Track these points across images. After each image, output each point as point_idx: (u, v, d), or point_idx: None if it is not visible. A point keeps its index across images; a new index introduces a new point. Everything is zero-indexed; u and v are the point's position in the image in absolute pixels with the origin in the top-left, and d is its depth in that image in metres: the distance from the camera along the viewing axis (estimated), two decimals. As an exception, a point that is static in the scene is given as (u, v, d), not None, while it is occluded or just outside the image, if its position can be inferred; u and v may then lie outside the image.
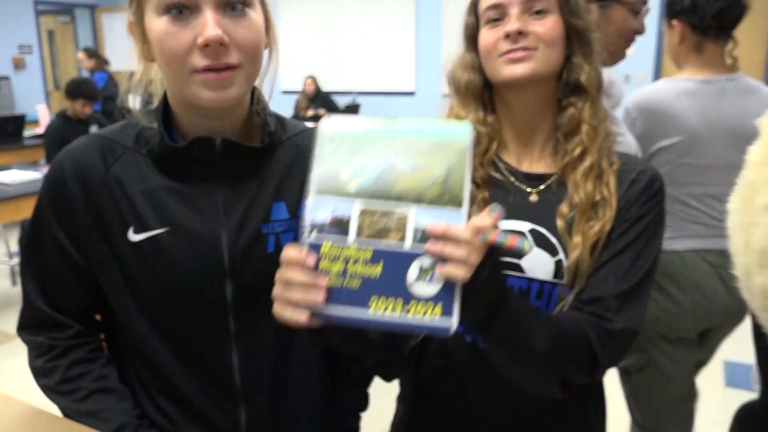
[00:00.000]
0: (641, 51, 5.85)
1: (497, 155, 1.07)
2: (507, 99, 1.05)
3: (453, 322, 0.73)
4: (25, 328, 0.99)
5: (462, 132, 0.78)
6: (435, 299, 0.74)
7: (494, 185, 1.05)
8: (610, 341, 0.92)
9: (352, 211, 0.75)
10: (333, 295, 0.74)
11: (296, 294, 0.73)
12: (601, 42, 1.52)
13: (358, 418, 1.13)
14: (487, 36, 1.01)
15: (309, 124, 1.06)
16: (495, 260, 0.79)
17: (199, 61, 0.80)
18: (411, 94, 7.73)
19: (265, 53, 0.90)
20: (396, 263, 0.74)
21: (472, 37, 1.06)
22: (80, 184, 0.91)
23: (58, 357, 0.96)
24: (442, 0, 7.41)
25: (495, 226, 0.78)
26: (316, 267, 0.74)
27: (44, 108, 6.16)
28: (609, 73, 1.51)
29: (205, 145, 0.89)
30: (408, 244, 0.74)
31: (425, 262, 0.74)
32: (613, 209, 0.96)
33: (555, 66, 1.01)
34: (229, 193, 0.92)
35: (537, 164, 1.05)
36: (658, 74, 6.39)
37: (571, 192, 0.99)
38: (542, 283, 0.99)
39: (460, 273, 0.74)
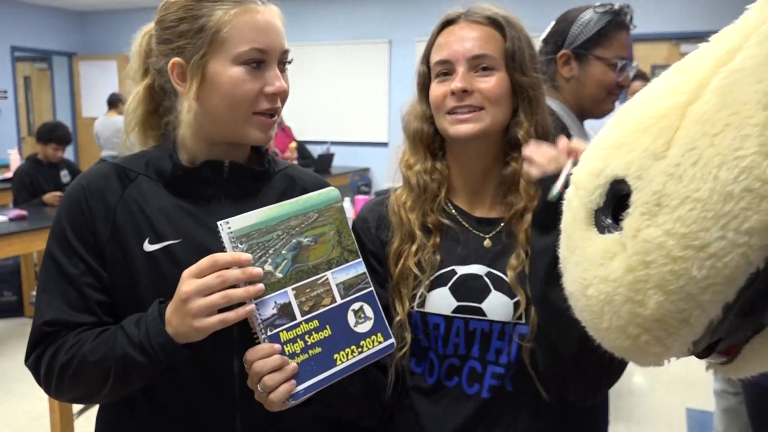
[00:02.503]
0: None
1: (449, 201, 1.09)
2: (455, 150, 1.08)
3: (392, 340, 0.96)
4: (33, 351, 0.97)
5: (333, 196, 0.96)
6: (373, 330, 0.94)
7: (446, 231, 1.07)
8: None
9: (289, 297, 0.88)
10: (306, 368, 0.87)
11: (274, 378, 0.83)
12: (580, 96, 1.60)
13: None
14: (435, 90, 1.05)
15: None
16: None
17: (264, 105, 0.97)
18: (384, 144, 7.86)
19: None
20: (338, 319, 0.91)
21: (424, 86, 1.09)
22: (98, 200, 0.98)
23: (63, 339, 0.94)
24: (414, 54, 7.63)
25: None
26: (283, 354, 0.85)
27: (16, 153, 6.13)
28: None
29: (214, 167, 1.01)
30: (338, 300, 0.92)
31: (355, 306, 0.93)
32: None
33: (502, 122, 1.03)
34: (234, 212, 0.97)
35: (489, 210, 1.08)
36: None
37: (518, 245, 1.02)
38: (503, 324, 1.01)
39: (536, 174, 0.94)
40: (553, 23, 1.67)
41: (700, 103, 0.52)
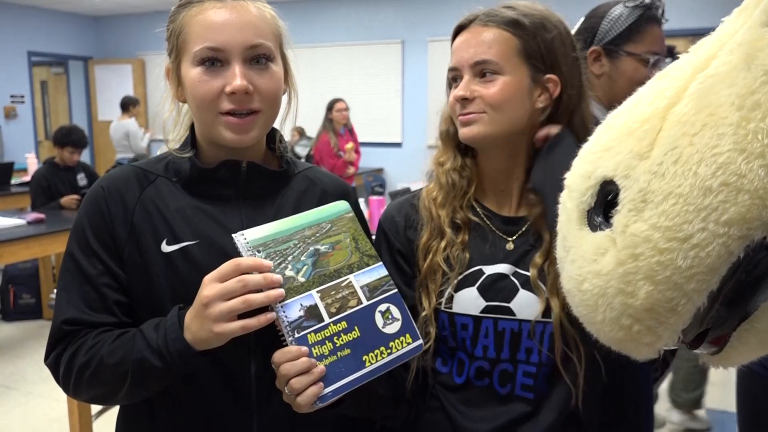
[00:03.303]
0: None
1: (477, 200, 1.10)
2: (480, 151, 1.10)
3: (421, 341, 0.95)
4: (52, 350, 0.97)
5: (343, 208, 0.98)
6: (402, 331, 0.92)
7: (473, 229, 1.08)
8: None
9: (315, 299, 0.88)
10: (334, 370, 0.85)
11: (301, 382, 0.83)
12: (612, 93, 1.57)
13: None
14: (450, 96, 1.07)
15: None
16: None
17: (226, 105, 0.94)
18: (398, 145, 7.86)
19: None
20: (366, 320, 0.90)
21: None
22: (117, 201, 0.99)
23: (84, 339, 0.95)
24: (427, 55, 7.63)
25: None
26: (311, 356, 0.84)
27: (33, 157, 6.19)
28: None
29: (232, 167, 1.00)
30: (365, 302, 0.91)
31: (382, 307, 0.92)
32: None
33: (513, 124, 1.02)
34: (252, 213, 1.01)
35: (515, 210, 1.08)
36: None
37: (544, 243, 1.02)
38: (533, 323, 1.01)
39: None
40: (582, 20, 1.64)
41: (680, 106, 0.57)
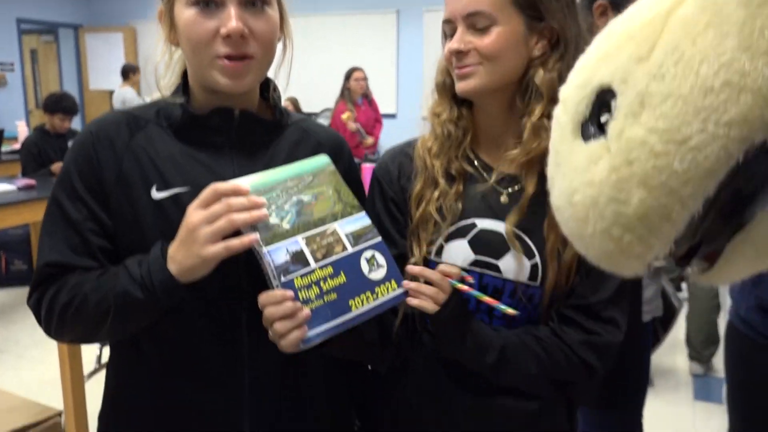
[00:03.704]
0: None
1: (473, 151, 1.09)
2: (475, 103, 1.09)
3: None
4: (34, 291, 0.97)
5: (323, 161, 0.98)
6: (387, 277, 0.94)
7: (468, 180, 1.07)
8: (604, 352, 1.02)
9: (300, 245, 0.88)
10: (320, 314, 0.87)
11: (285, 326, 0.84)
12: None
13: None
14: (445, 49, 1.05)
15: None
16: (458, 301, 0.98)
17: (221, 49, 0.91)
18: (392, 116, 7.81)
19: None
20: (352, 266, 0.91)
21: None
22: (106, 146, 0.97)
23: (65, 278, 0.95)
24: (422, 26, 7.55)
25: (463, 280, 0.98)
26: (297, 299, 0.85)
27: (23, 124, 6.12)
28: None
29: (224, 115, 0.98)
30: (350, 249, 0.92)
31: (367, 254, 0.93)
32: None
33: (507, 76, 1.02)
34: (244, 162, 0.99)
35: (510, 164, 1.06)
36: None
37: (524, 197, 1.02)
38: (516, 284, 1.02)
39: (428, 306, 0.95)
40: None
41: (683, 8, 0.54)
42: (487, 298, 0.95)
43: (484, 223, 1.04)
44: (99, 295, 0.90)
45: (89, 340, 1.01)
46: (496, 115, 1.07)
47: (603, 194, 0.57)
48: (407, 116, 7.73)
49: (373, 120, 6.02)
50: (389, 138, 7.87)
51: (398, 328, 1.07)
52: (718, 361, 3.50)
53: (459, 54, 1.01)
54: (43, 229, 0.98)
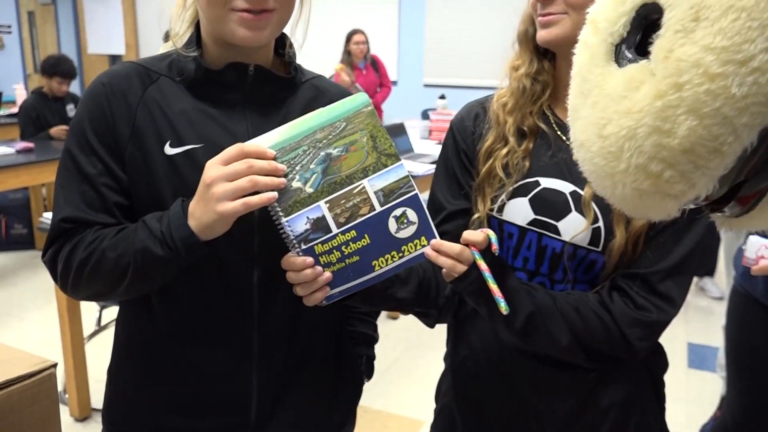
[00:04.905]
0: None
1: (550, 108, 1.06)
2: (559, 55, 1.04)
3: (438, 239, 0.90)
4: (50, 247, 0.95)
5: (361, 101, 0.88)
6: (417, 234, 0.89)
7: (540, 136, 1.05)
8: (650, 332, 0.96)
9: (323, 210, 0.86)
10: (341, 275, 0.87)
11: (306, 289, 0.86)
12: None
13: (372, 347, 1.21)
14: None
15: None
16: (477, 275, 0.91)
17: (239, 2, 0.88)
18: (393, 83, 7.73)
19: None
20: (377, 226, 0.87)
21: None
22: (120, 99, 0.94)
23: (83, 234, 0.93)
24: (425, -10, 7.42)
25: (488, 251, 0.91)
26: (317, 264, 0.86)
27: (21, 87, 6.07)
28: None
29: (239, 70, 0.95)
30: (378, 208, 0.87)
31: (397, 212, 0.88)
32: None
33: None
34: (258, 119, 0.98)
35: None
36: None
37: None
38: (576, 247, 0.99)
39: (447, 279, 0.92)
40: None
41: None
42: (493, 287, 0.90)
43: (547, 182, 1.01)
44: (118, 251, 0.89)
45: (106, 298, 0.99)
46: None
47: (643, 124, 0.51)
48: (408, 83, 7.66)
49: (375, 86, 5.93)
50: (389, 104, 7.78)
51: (449, 290, 1.06)
52: (714, 330, 3.53)
53: (545, 2, 0.96)
54: (57, 182, 0.96)
